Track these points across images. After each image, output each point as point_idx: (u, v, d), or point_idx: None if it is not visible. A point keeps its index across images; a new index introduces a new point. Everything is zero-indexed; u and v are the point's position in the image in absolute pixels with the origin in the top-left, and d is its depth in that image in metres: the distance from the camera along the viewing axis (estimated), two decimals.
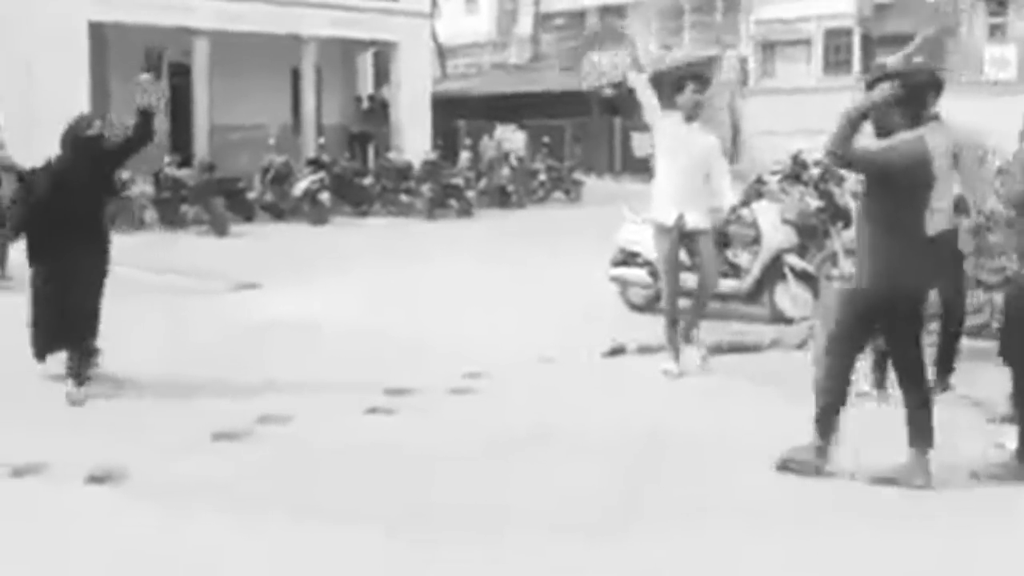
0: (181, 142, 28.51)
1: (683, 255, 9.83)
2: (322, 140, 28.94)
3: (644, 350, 10.19)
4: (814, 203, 12.54)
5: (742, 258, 11.98)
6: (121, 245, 18.98)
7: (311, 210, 24.43)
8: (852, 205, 11.04)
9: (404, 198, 26.52)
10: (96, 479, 6.70)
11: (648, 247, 10.64)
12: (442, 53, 47.47)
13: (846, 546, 5.71)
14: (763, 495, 6.48)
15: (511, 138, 32.97)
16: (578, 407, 8.44)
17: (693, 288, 10.01)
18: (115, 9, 26.52)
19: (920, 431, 6.66)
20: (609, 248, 12.71)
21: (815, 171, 14.75)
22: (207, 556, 5.59)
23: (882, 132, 6.80)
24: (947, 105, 7.93)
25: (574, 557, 5.57)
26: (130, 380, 9.09)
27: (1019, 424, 6.92)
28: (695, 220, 9.62)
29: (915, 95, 6.92)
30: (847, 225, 11.65)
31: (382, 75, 36.92)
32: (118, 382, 9.05)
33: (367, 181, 26.92)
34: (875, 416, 7.67)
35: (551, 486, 6.64)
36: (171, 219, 23.01)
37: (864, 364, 7.85)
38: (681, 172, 9.59)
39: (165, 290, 14.47)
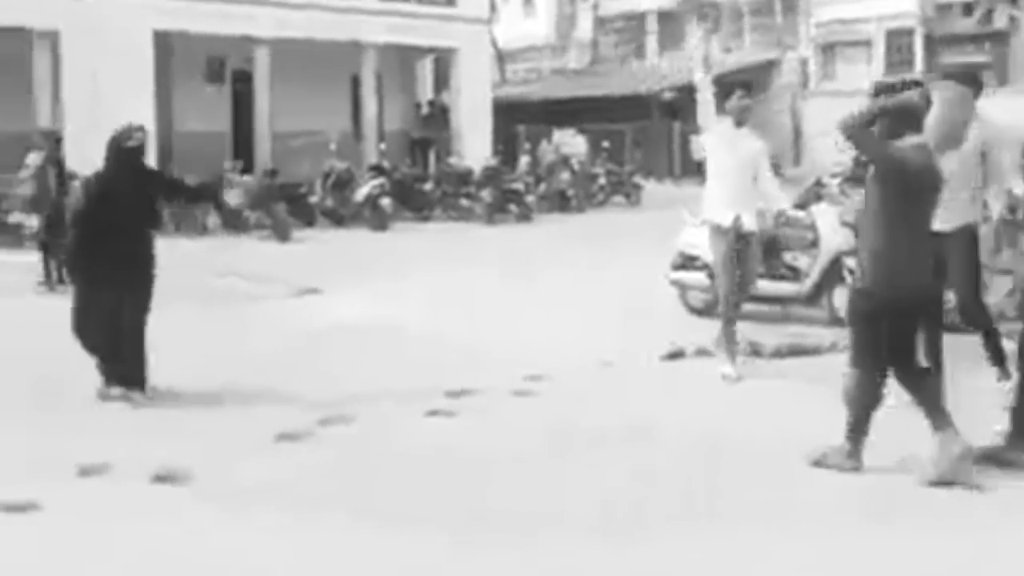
0: (242, 148, 28.81)
1: None
2: (383, 146, 29.09)
3: (703, 353, 10.20)
4: None
5: (801, 261, 11.93)
6: (185, 250, 19.34)
7: (372, 215, 24.57)
8: None
9: (464, 203, 26.59)
10: (161, 479, 6.82)
11: (706, 250, 10.66)
12: (501, 58, 47.53)
13: (897, 547, 5.71)
14: (816, 496, 6.49)
15: (570, 143, 32.93)
16: (637, 410, 8.45)
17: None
18: (179, 18, 26.79)
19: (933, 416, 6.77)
20: (669, 251, 12.71)
21: None
22: (268, 555, 5.68)
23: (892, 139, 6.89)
24: (1006, 104, 7.95)
25: (627, 559, 5.60)
26: (170, 391, 9.06)
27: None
28: (748, 222, 9.76)
29: (906, 110, 6.94)
30: None
31: (442, 80, 37.02)
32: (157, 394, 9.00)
33: (428, 186, 27.05)
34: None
35: (609, 489, 6.66)
36: (233, 224, 23.26)
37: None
38: (730, 175, 9.76)
39: (227, 295, 14.63)
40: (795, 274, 11.90)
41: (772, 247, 11.60)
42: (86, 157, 14.01)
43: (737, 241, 9.76)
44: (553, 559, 5.61)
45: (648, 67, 45.72)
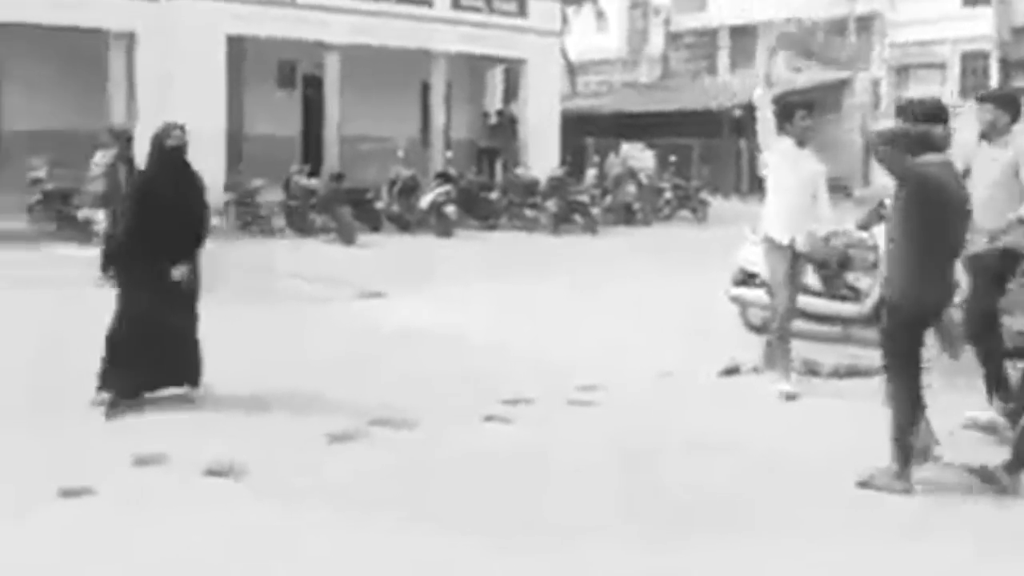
0: (311, 152, 29.07)
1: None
2: (450, 154, 29.24)
3: (759, 370, 10.18)
4: None
5: (863, 282, 11.85)
6: (251, 250, 19.53)
7: (437, 222, 24.71)
8: None
9: (529, 213, 26.66)
10: (215, 472, 6.92)
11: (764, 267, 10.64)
12: (572, 70, 47.62)
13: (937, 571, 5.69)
14: (860, 516, 6.47)
15: (637, 156, 32.91)
16: (691, 424, 8.46)
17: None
18: (253, 23, 27.11)
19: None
20: (731, 268, 12.69)
21: None
22: (317, 552, 5.75)
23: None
24: None
25: (675, 570, 5.63)
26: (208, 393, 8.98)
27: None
28: (801, 242, 9.80)
29: (927, 136, 6.99)
30: None
31: (512, 91, 37.16)
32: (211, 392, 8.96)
33: (494, 195, 27.16)
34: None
35: (662, 501, 6.69)
36: (299, 226, 23.50)
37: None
38: (790, 194, 9.79)
39: (291, 296, 14.78)
40: (856, 295, 11.83)
41: (842, 266, 11.58)
42: None
43: (794, 260, 9.78)
44: (595, 567, 5.64)
45: (719, 83, 45.66)
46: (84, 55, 25.60)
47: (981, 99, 8.80)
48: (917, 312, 6.96)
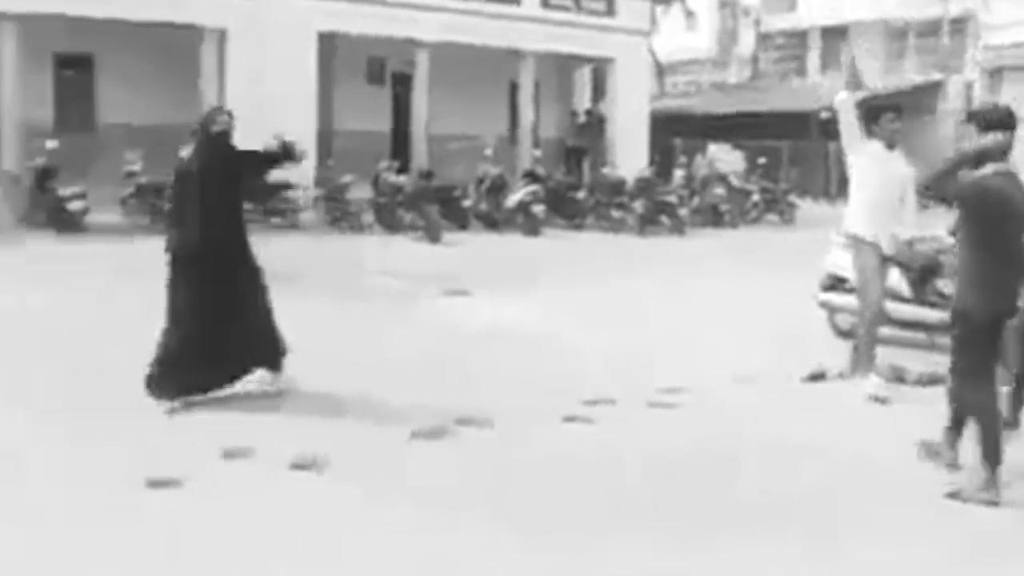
0: (400, 149, 29.27)
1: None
2: (538, 153, 29.27)
3: (845, 376, 10.09)
4: None
5: (951, 288, 11.72)
6: (339, 247, 19.68)
7: (524, 221, 24.76)
8: None
9: (616, 213, 26.58)
10: (299, 466, 7.03)
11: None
12: (661, 70, 47.48)
13: None
14: (948, 522, 6.42)
15: (726, 158, 32.74)
16: (773, 429, 8.41)
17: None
18: (344, 20, 27.36)
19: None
20: (820, 272, 12.59)
21: None
22: (398, 548, 5.81)
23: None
24: None
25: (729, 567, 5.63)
26: (292, 388, 9.04)
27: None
28: (886, 245, 9.81)
29: (985, 152, 7.01)
30: None
31: (600, 90, 37.13)
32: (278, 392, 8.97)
33: (581, 195, 27.13)
34: None
35: (745, 505, 6.67)
36: (387, 223, 23.68)
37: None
38: (877, 194, 9.77)
39: (377, 292, 14.90)
40: (945, 301, 11.68)
41: (932, 272, 11.46)
42: None
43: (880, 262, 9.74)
44: (670, 570, 5.66)
45: (808, 85, 45.22)
46: (178, 51, 25.98)
47: None
48: (986, 321, 6.93)
